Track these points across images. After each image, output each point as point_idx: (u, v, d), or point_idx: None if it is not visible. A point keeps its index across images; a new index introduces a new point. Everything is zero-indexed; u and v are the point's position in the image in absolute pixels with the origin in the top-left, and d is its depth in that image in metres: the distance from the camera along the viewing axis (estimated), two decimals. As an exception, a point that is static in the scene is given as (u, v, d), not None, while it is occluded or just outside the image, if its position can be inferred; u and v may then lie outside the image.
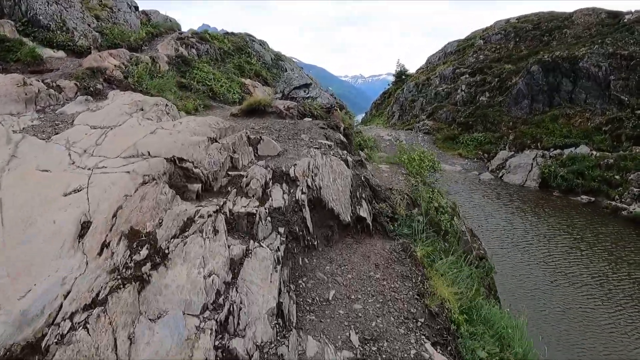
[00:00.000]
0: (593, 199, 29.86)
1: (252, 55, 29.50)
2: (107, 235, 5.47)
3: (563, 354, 14.29)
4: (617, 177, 29.95)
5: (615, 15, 43.95)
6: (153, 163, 6.66)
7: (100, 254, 5.28)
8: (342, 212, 8.37)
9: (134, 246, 5.46)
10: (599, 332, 15.56)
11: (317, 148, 10.30)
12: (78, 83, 13.42)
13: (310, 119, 13.60)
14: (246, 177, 7.57)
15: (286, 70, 32.07)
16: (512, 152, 37.69)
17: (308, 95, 15.25)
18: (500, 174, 35.58)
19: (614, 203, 28.45)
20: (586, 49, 37.91)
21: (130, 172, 6.37)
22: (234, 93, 19.48)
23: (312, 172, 8.43)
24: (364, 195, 9.32)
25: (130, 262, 5.30)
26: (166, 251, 5.56)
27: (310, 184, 8.17)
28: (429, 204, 12.24)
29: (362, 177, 9.88)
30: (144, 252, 5.44)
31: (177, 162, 6.98)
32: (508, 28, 53.18)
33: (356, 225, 8.67)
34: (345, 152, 11.06)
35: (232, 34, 32.62)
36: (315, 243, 7.73)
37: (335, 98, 37.26)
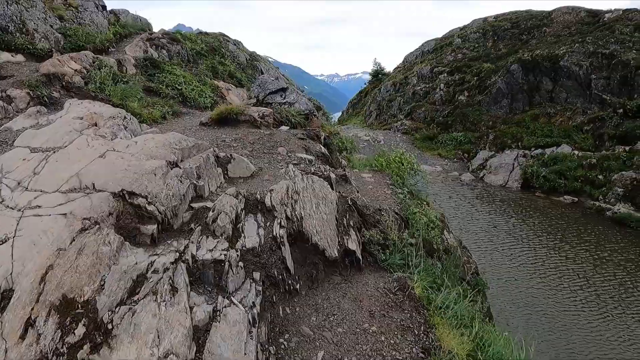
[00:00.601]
0: (576, 199, 29.10)
1: (226, 56, 28.20)
2: (32, 308, 4.18)
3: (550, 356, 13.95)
4: (600, 177, 29.22)
5: (595, 14, 43.40)
6: (97, 201, 5.37)
7: (23, 337, 3.98)
8: (328, 247, 7.12)
9: (67, 323, 4.18)
10: (585, 334, 15.20)
11: (296, 164, 9.09)
12: (31, 92, 12.00)
13: (287, 128, 12.35)
14: (213, 210, 6.23)
15: (262, 72, 30.74)
16: (493, 152, 36.83)
17: (285, 100, 13.94)
18: (481, 175, 34.67)
19: (597, 203, 27.72)
20: (567, 47, 37.18)
21: (68, 214, 5.09)
22: (206, 97, 18.14)
23: (292, 198, 7.16)
24: (351, 223, 8.09)
25: (62, 347, 4.01)
26: (109, 325, 4.27)
27: (289, 213, 6.90)
28: (419, 221, 11.04)
29: (349, 201, 8.64)
30: (80, 330, 4.16)
31: (127, 197, 5.71)
32: (486, 27, 52.40)
33: (344, 260, 7.42)
34: (327, 167, 9.86)
35: (206, 33, 31.31)
36: (298, 286, 6.47)
37: (310, 100, 36.13)
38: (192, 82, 18.86)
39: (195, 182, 6.86)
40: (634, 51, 33.87)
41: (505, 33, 49.19)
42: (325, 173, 8.88)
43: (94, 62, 16.26)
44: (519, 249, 21.96)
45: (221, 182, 7.60)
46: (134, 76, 17.42)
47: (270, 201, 6.80)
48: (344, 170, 12.18)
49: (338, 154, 15.08)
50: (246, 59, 30.13)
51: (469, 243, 20.85)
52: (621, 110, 31.72)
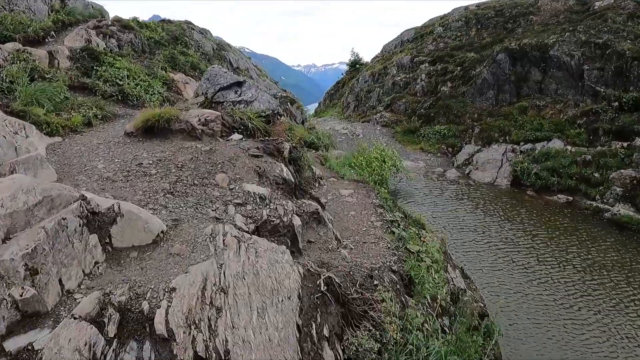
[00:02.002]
0: (571, 198, 26.12)
1: (189, 45, 24.44)
2: None
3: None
4: (596, 174, 26.27)
5: (584, 2, 40.14)
6: None
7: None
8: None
9: None
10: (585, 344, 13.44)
11: (240, 205, 5.64)
12: None
13: (240, 137, 8.82)
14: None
15: (230, 63, 26.96)
16: (479, 147, 33.73)
17: (240, 97, 10.39)
18: (467, 171, 31.50)
19: (595, 204, 24.78)
20: (557, 36, 33.94)
21: None
22: (154, 94, 14.48)
23: (212, 306, 3.58)
24: (326, 327, 4.54)
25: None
26: None
27: (203, 345, 3.30)
28: (426, 281, 7.61)
29: (322, 283, 5.00)
30: None
31: None
32: (469, 15, 48.83)
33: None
34: (289, 204, 6.41)
35: (169, 21, 27.43)
36: None
37: (285, 91, 32.41)
38: (139, 76, 15.18)
39: (22, 290, 3.26)
40: (629, 41, 30.79)
41: (490, 21, 45.72)
42: (285, 221, 5.43)
43: (8, 56, 12.60)
44: (512, 257, 19.04)
45: (94, 266, 4.03)
46: (65, 71, 13.78)
47: (166, 320, 3.21)
48: (317, 201, 8.61)
49: (309, 169, 11.47)
50: (213, 49, 26.38)
51: (459, 254, 18.44)
52: (616, 104, 28.77)
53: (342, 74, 71.62)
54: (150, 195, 6.02)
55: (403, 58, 48.95)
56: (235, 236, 4.79)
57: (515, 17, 43.67)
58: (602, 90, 30.05)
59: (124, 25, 20.29)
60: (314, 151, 25.31)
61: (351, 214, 9.67)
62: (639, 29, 32.15)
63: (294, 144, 9.38)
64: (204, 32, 27.79)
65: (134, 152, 7.60)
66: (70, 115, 10.51)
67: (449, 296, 8.90)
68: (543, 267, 18.09)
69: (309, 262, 5.43)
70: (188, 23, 27.26)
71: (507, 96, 35.84)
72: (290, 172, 8.16)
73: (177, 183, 6.36)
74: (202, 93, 10.80)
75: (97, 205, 4.66)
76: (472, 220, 23.13)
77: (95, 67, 14.73)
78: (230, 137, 8.65)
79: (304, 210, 7.11)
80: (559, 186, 26.92)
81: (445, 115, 38.86)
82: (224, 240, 4.67)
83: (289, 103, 28.50)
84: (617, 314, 14.78)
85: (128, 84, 14.21)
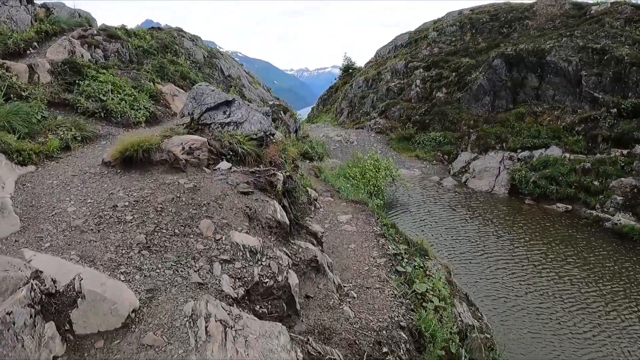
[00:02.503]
0: (570, 207, 25.48)
1: (179, 53, 23.59)
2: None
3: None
4: (596, 183, 25.65)
5: (581, 7, 39.62)
6: None
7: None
8: None
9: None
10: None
11: (228, 262, 4.86)
12: None
13: (228, 166, 7.95)
14: None
15: (221, 71, 26.10)
16: (475, 154, 33.01)
17: (229, 119, 9.50)
18: (464, 179, 30.77)
19: (595, 213, 24.11)
20: (553, 42, 33.24)
21: None
22: (139, 109, 13.60)
23: None
24: None
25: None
26: None
27: None
28: (432, 328, 6.86)
29: None
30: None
31: None
32: (463, 20, 48.05)
33: None
34: (284, 254, 5.55)
35: (159, 28, 26.56)
36: None
37: (278, 99, 31.62)
38: (124, 90, 14.29)
39: None
40: (627, 46, 30.17)
41: (484, 26, 44.99)
42: (279, 280, 4.66)
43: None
44: (511, 269, 18.41)
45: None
46: (45, 87, 12.89)
47: None
48: (315, 238, 7.79)
49: (305, 193, 10.66)
50: (204, 57, 25.53)
51: (457, 266, 17.61)
52: (615, 110, 28.14)
53: (335, 79, 70.77)
54: (124, 251, 5.18)
55: (397, 63, 48.15)
56: (220, 320, 3.95)
57: (511, 22, 42.99)
58: (600, 96, 29.42)
59: (111, 34, 19.35)
60: (308, 162, 24.59)
61: (351, 247, 8.90)
62: (637, 34, 31.57)
63: (288, 172, 8.49)
64: (194, 40, 26.94)
65: (109, 188, 6.72)
66: (47, 139, 9.64)
67: (458, 336, 8.13)
68: (542, 278, 17.51)
69: (308, 340, 4.62)
70: (179, 30, 26.40)
71: (503, 102, 35.16)
72: (286, 206, 7.33)
73: (156, 233, 5.52)
74: (188, 113, 9.87)
75: (54, 283, 3.84)
76: (470, 231, 22.52)
77: (77, 82, 13.76)
78: (218, 166, 7.79)
79: (300, 259, 6.33)
80: (558, 195, 26.29)
81: (441, 122, 38.13)
82: (206, 328, 3.84)
83: (282, 112, 27.70)
84: (617, 327, 14.23)
85: (112, 99, 13.24)
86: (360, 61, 68.34)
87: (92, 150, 9.73)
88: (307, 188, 12.23)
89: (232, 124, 9.31)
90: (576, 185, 26.13)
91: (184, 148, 7.61)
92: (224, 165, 7.92)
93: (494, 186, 28.85)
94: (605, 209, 23.88)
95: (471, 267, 18.40)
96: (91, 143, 10.40)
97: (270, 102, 28.22)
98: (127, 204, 6.17)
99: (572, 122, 29.90)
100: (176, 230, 5.63)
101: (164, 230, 5.61)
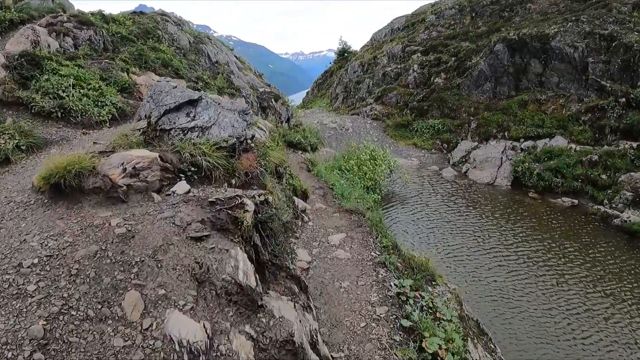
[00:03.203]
0: (576, 201, 23.91)
1: (162, 39, 21.63)
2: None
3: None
4: (603, 176, 24.10)
5: (586, -11, 37.40)
6: None
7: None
8: None
9: None
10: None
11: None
12: None
13: (186, 189, 6.11)
14: None
15: (208, 57, 24.13)
16: (476, 143, 31.41)
17: (193, 123, 7.55)
18: (465, 169, 29.15)
19: (602, 208, 22.48)
20: (558, 26, 31.38)
21: None
22: (105, 105, 11.74)
23: None
24: None
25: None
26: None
27: None
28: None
29: None
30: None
31: None
32: (463, 2, 46.06)
33: None
34: (244, 339, 3.91)
35: (141, 13, 24.53)
36: None
37: (269, 86, 29.68)
38: (89, 83, 12.39)
39: None
40: (636, 33, 28.34)
41: (485, 9, 42.96)
42: None
43: None
44: (514, 268, 16.87)
45: None
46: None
47: None
48: (297, 283, 6.00)
49: (291, 206, 8.82)
50: (189, 42, 23.52)
51: (458, 262, 16.73)
52: (624, 100, 26.44)
53: (331, 63, 69.07)
54: (9, 355, 3.43)
55: (394, 47, 46.21)
56: None
57: (512, 5, 41.02)
58: (608, 84, 27.68)
59: (82, 20, 17.28)
60: (300, 153, 22.88)
61: (344, 285, 7.20)
62: (647, 20, 29.68)
63: (263, 196, 6.53)
64: (180, 24, 24.89)
65: (25, 230, 4.91)
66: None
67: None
68: (546, 278, 16.02)
69: None
70: (162, 14, 24.31)
71: (505, 89, 33.40)
72: (257, 245, 5.55)
73: (61, 317, 3.74)
74: (145, 116, 7.90)
75: None
76: (471, 225, 20.99)
77: (34, 76, 11.91)
78: (173, 189, 5.95)
79: (270, 340, 4.43)
80: (563, 188, 24.79)
81: (440, 109, 36.37)
82: None
83: (273, 99, 25.87)
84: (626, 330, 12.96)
85: (73, 95, 11.38)
86: (356, 45, 66.81)
87: (36, 163, 7.96)
88: (295, 198, 10.47)
89: (196, 129, 7.39)
90: (582, 178, 24.61)
91: (125, 169, 5.78)
92: (181, 187, 6.11)
93: (495, 177, 27.25)
94: (613, 205, 22.37)
95: (470, 265, 16.94)
96: (39, 152, 8.62)
97: (261, 89, 26.38)
98: (36, 261, 4.40)
99: (578, 111, 28.22)
100: (89, 312, 3.88)
101: (74, 312, 3.85)
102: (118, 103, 12.24)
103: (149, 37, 20.85)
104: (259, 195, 6.26)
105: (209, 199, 5.66)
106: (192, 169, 6.68)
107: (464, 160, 30.33)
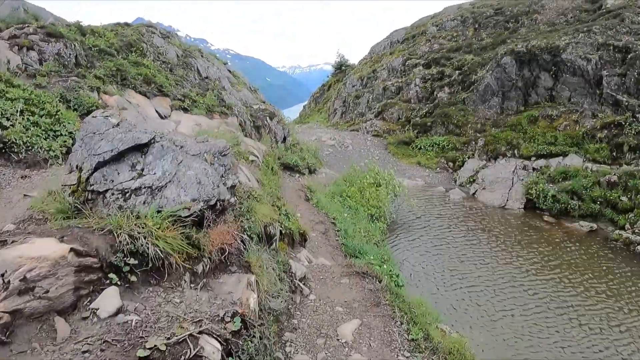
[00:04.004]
0: (595, 226, 21.81)
1: (146, 52, 19.63)
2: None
3: None
4: (624, 198, 22.04)
5: (594, 0, 35.66)
6: None
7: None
8: None
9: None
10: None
11: None
12: None
13: (117, 305, 3.83)
14: None
15: (198, 72, 22.11)
16: (484, 162, 29.45)
17: (140, 180, 5.11)
18: (473, 190, 27.09)
19: (625, 234, 20.38)
20: (569, 37, 29.56)
21: None
22: (59, 135, 9.63)
23: None
24: None
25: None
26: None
27: None
28: None
29: None
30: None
31: None
32: (465, 14, 44.34)
33: None
34: None
35: (126, 24, 22.55)
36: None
37: (264, 102, 27.70)
38: (44, 108, 10.27)
39: None
40: (653, 44, 26.41)
41: (488, 20, 41.16)
42: None
43: None
44: (529, 302, 14.87)
45: None
46: None
47: None
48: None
49: (287, 286, 6.67)
50: (177, 56, 21.55)
51: (469, 295, 14.73)
52: (643, 115, 24.33)
53: (328, 76, 68.06)
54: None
55: (394, 61, 44.40)
56: None
57: (517, 16, 39.24)
58: (624, 99, 25.76)
59: (50, 32, 15.26)
60: (297, 176, 20.96)
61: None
62: (664, 31, 27.84)
63: (238, 320, 4.08)
64: (167, 36, 22.93)
65: None
66: None
67: None
68: (564, 314, 14.12)
69: None
70: (148, 26, 22.33)
71: (513, 104, 31.50)
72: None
73: None
74: (77, 167, 5.42)
75: None
76: (482, 254, 18.93)
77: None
78: (95, 305, 3.70)
79: None
80: (580, 211, 22.69)
81: (444, 125, 34.41)
82: None
83: (267, 117, 23.84)
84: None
85: (18, 124, 9.29)
86: (354, 59, 66.02)
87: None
88: (291, 261, 8.28)
89: (143, 190, 4.96)
90: (601, 200, 22.56)
91: (8, 284, 3.54)
92: (107, 302, 3.79)
93: (507, 200, 25.20)
94: (635, 230, 20.33)
95: (485, 295, 15.10)
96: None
97: (255, 107, 24.38)
98: None
99: (593, 128, 26.26)
100: None
101: None
102: (73, 132, 10.08)
103: (131, 50, 18.89)
104: (230, 318, 4.02)
105: (141, 346, 3.37)
106: (131, 261, 4.52)
107: (471, 180, 28.29)
